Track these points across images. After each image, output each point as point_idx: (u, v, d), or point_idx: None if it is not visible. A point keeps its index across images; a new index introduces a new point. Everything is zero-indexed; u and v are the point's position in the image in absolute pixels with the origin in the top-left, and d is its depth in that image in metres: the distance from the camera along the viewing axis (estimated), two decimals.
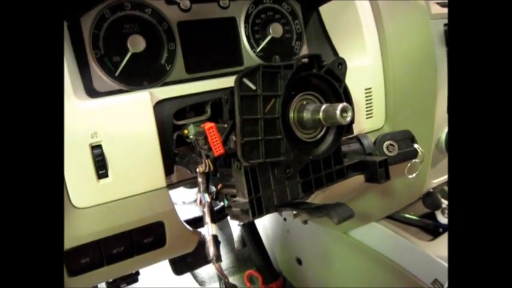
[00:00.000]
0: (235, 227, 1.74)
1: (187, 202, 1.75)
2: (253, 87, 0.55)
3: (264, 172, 0.61)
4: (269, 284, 1.66)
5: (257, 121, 0.56)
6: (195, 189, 1.81)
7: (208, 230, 0.63)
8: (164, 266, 1.05)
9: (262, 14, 0.92)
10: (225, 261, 1.86)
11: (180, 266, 1.13)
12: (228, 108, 0.62)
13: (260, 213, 0.61)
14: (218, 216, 1.03)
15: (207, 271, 1.79)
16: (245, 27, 0.90)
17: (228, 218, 0.92)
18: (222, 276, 0.65)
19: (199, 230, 0.84)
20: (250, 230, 1.69)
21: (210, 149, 0.59)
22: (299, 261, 1.59)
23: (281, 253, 1.71)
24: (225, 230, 1.85)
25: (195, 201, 1.82)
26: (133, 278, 1.03)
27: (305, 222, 1.43)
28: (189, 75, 0.84)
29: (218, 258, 0.61)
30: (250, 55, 0.91)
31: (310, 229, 1.48)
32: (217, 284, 1.76)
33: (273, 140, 0.57)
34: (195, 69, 0.84)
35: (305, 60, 0.62)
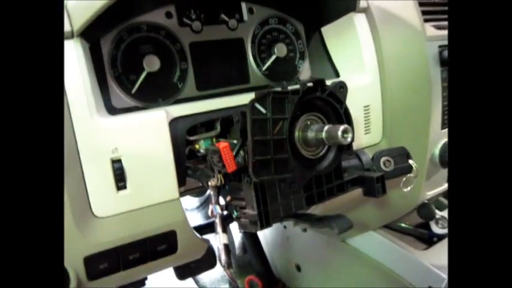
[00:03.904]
0: (237, 234, 1.79)
1: (189, 209, 1.80)
2: (264, 111, 0.61)
3: (271, 187, 0.67)
4: None
5: (267, 142, 0.62)
6: (198, 198, 1.86)
7: (220, 239, 0.69)
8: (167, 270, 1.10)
9: (267, 34, 0.98)
10: None
11: (184, 271, 1.18)
12: (240, 128, 0.67)
13: (267, 225, 0.66)
14: (211, 228, 1.07)
15: (209, 276, 1.84)
16: (252, 47, 0.96)
17: (230, 225, 0.98)
18: (232, 282, 0.71)
19: (205, 236, 0.89)
20: (251, 237, 1.75)
21: (223, 166, 0.64)
22: (298, 268, 1.64)
23: (281, 260, 1.76)
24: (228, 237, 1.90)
25: (197, 208, 1.87)
26: (141, 282, 1.08)
27: (304, 230, 1.48)
28: (200, 92, 0.89)
29: (229, 265, 0.67)
30: (256, 73, 0.97)
31: (309, 237, 1.53)
32: None
33: (281, 158, 0.63)
34: (205, 86, 0.90)
35: (309, 84, 0.68)
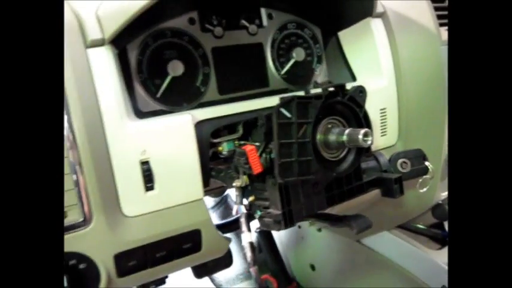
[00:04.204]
0: (252, 234, 1.82)
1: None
2: (289, 115, 0.64)
3: (295, 188, 0.70)
4: None
5: (291, 145, 0.64)
6: (213, 198, 1.90)
7: (246, 237, 0.71)
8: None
9: (286, 39, 1.01)
10: (242, 266, 1.93)
11: (201, 270, 1.21)
12: (264, 131, 0.70)
13: (291, 224, 0.69)
14: (235, 225, 1.10)
15: (224, 275, 1.88)
16: (271, 51, 0.99)
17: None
18: (257, 279, 0.74)
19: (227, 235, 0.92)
20: (266, 237, 1.77)
21: (250, 167, 0.67)
22: (312, 267, 1.67)
23: (295, 259, 1.78)
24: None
25: (213, 208, 1.91)
26: (162, 280, 1.11)
27: (319, 230, 1.51)
28: (221, 96, 0.92)
29: (255, 262, 0.69)
30: (275, 77, 0.99)
31: (324, 236, 1.56)
32: None
33: (305, 160, 0.66)
34: (227, 90, 0.93)
35: (331, 88, 0.71)
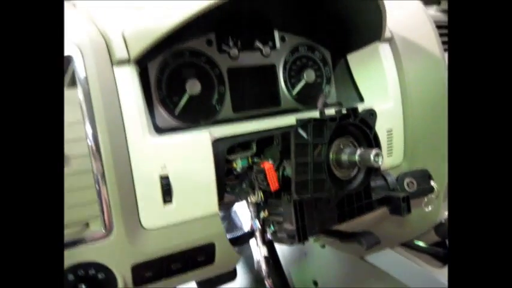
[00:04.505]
0: (256, 248, 1.84)
1: None
2: (305, 136, 0.67)
3: (309, 204, 0.73)
4: None
5: (307, 164, 0.68)
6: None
7: (261, 251, 0.74)
8: None
9: (297, 61, 1.05)
10: (245, 280, 1.95)
11: (206, 283, 1.23)
12: (279, 149, 0.74)
13: (304, 239, 0.72)
14: (242, 240, 1.13)
15: None
16: (283, 72, 1.03)
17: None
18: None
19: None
20: (270, 252, 1.79)
21: (267, 184, 0.70)
22: (315, 284, 1.69)
23: (298, 275, 1.80)
24: (246, 251, 1.95)
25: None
26: None
27: (323, 246, 1.53)
28: (235, 114, 0.96)
29: (269, 275, 0.72)
30: (286, 97, 1.03)
31: (327, 253, 1.58)
32: None
33: (319, 179, 0.69)
34: (240, 108, 0.97)
35: (343, 112, 0.74)
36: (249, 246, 1.92)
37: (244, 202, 0.89)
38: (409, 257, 1.29)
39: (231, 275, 1.27)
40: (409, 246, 1.34)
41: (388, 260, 1.33)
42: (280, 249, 1.85)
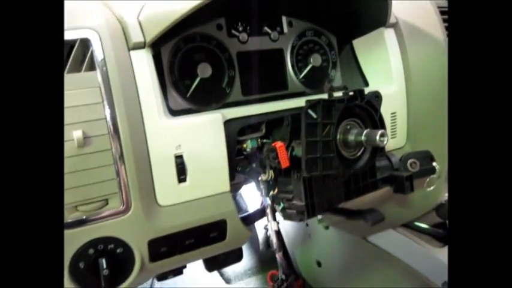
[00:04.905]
0: (260, 231, 1.89)
1: None
2: (315, 116, 0.71)
3: (317, 182, 0.77)
4: None
5: (316, 143, 0.71)
6: None
7: (271, 226, 0.78)
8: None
9: (304, 45, 1.08)
10: (250, 262, 2.00)
11: (212, 263, 1.27)
12: (289, 130, 0.77)
13: (313, 214, 0.76)
14: (256, 218, 1.17)
15: (233, 269, 1.94)
16: (290, 57, 1.06)
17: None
18: (281, 262, 0.80)
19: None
20: (271, 244, 1.84)
21: (279, 162, 0.74)
22: (319, 264, 1.73)
23: (302, 256, 1.85)
24: (251, 233, 2.00)
25: None
26: (179, 270, 1.17)
27: (326, 227, 1.57)
28: (245, 97, 0.99)
29: (280, 248, 0.76)
30: (293, 81, 1.06)
31: (331, 234, 1.62)
32: (241, 283, 1.91)
33: (327, 157, 0.73)
34: (249, 92, 1.00)
35: (351, 93, 0.78)
36: (254, 229, 1.97)
37: (248, 187, 0.92)
38: (411, 238, 1.32)
39: (237, 256, 1.30)
40: (410, 227, 1.38)
41: (390, 240, 1.37)
42: (285, 231, 1.89)
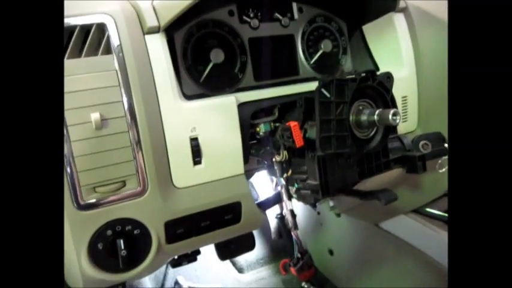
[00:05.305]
0: (272, 220, 1.90)
1: None
2: (328, 95, 0.72)
3: (331, 161, 0.78)
4: (302, 272, 1.81)
5: (330, 121, 0.72)
6: None
7: (286, 205, 0.80)
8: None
9: (315, 31, 1.09)
10: (262, 251, 2.02)
11: (225, 252, 1.28)
12: (302, 111, 0.78)
13: (327, 194, 0.77)
14: (271, 204, 1.17)
15: (245, 259, 1.96)
16: (301, 42, 1.07)
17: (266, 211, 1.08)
18: (298, 241, 0.81)
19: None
20: (286, 223, 1.85)
21: (293, 141, 0.75)
22: (331, 252, 1.74)
23: (314, 245, 1.86)
24: (263, 222, 2.01)
25: None
26: (194, 257, 1.18)
27: (338, 215, 1.58)
28: (257, 82, 1.00)
29: (295, 226, 0.77)
30: (304, 66, 1.07)
31: (343, 222, 1.63)
32: (254, 272, 1.92)
33: (341, 136, 0.74)
34: (261, 77, 1.01)
35: (363, 74, 0.78)
36: (266, 218, 1.98)
37: (260, 177, 0.93)
38: (423, 223, 1.33)
39: (250, 244, 1.32)
40: (422, 213, 1.38)
41: (402, 226, 1.37)
42: (297, 221, 1.90)
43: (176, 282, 1.78)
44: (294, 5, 1.06)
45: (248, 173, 0.99)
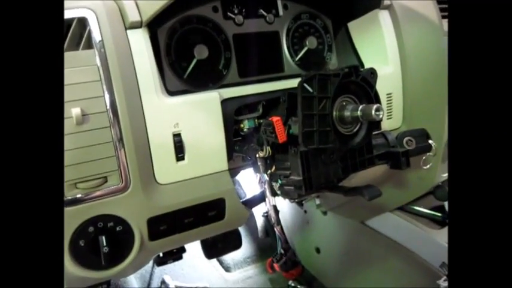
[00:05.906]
0: (259, 218, 1.90)
1: None
2: (311, 90, 0.71)
3: (314, 157, 0.77)
4: (289, 271, 1.81)
5: (313, 116, 0.72)
6: None
7: (270, 201, 0.79)
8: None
9: (300, 28, 1.09)
10: (249, 250, 2.01)
11: (211, 250, 1.28)
12: (286, 106, 0.78)
13: (310, 189, 0.77)
14: (256, 203, 1.18)
15: (232, 257, 1.96)
16: (286, 39, 1.07)
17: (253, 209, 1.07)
18: (281, 236, 0.81)
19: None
20: (270, 218, 1.85)
21: (276, 136, 0.75)
22: (318, 250, 1.74)
23: (301, 243, 1.86)
24: (250, 221, 2.01)
25: None
26: (179, 255, 1.18)
27: (325, 213, 1.59)
28: (241, 79, 1.00)
29: (278, 222, 0.77)
30: (289, 63, 1.07)
31: (329, 220, 1.63)
32: (241, 271, 1.92)
33: (324, 131, 0.73)
34: (246, 73, 1.01)
35: (346, 70, 0.78)
36: (253, 217, 1.98)
37: (246, 175, 0.92)
38: (409, 220, 1.33)
39: (237, 243, 1.31)
40: (408, 211, 1.39)
41: (389, 223, 1.38)
42: (283, 219, 1.90)
43: (163, 282, 1.77)
44: (279, 2, 1.06)
45: (233, 171, 0.99)
